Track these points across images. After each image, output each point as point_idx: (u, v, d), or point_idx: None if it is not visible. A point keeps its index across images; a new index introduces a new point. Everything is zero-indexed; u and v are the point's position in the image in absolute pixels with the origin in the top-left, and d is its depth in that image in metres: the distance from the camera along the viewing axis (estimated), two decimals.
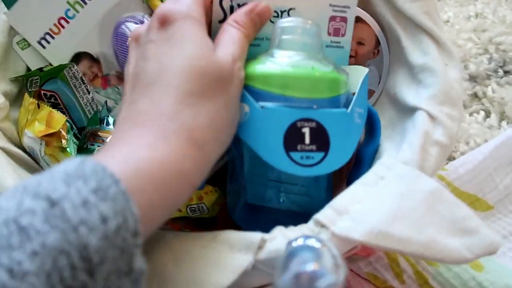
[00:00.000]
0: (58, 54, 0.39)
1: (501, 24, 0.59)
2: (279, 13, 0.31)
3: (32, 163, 0.36)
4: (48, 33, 0.38)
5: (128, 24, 0.38)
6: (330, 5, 0.32)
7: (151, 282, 0.23)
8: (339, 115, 0.27)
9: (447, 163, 0.45)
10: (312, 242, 0.21)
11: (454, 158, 0.46)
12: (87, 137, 0.39)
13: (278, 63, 0.28)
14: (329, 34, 0.33)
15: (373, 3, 0.36)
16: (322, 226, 0.24)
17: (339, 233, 0.23)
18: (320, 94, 0.27)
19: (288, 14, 0.31)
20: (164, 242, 0.24)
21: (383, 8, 0.35)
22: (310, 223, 0.25)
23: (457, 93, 0.29)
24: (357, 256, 0.39)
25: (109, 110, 0.42)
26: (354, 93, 0.29)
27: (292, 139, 0.26)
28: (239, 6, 0.30)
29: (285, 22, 0.29)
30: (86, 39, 0.39)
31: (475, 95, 0.54)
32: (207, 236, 0.25)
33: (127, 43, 0.38)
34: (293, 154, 0.27)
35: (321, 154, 0.27)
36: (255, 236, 0.24)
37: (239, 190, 0.32)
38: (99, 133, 0.40)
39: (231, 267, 0.23)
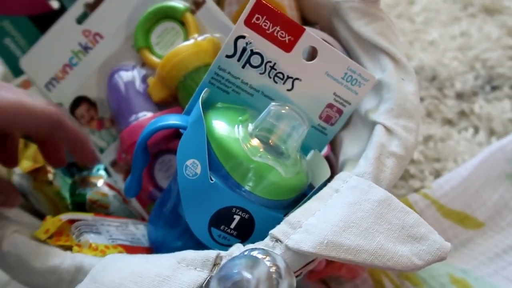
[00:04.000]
0: (61, 97, 0.42)
1: (487, 41, 0.60)
2: (285, 77, 0.31)
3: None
4: (54, 78, 0.42)
5: (120, 73, 0.41)
6: (334, 94, 0.31)
7: None
8: (273, 218, 0.27)
9: (433, 181, 0.44)
10: (254, 253, 0.21)
11: (441, 176, 0.46)
12: (78, 183, 0.41)
13: (247, 148, 0.27)
14: (320, 117, 0.32)
15: (338, 29, 0.38)
16: (277, 240, 0.25)
17: (292, 246, 0.24)
18: (270, 196, 0.27)
19: (292, 84, 0.31)
20: (121, 261, 0.25)
21: (346, 33, 0.37)
22: (267, 239, 0.25)
23: (413, 106, 0.30)
24: (343, 279, 0.39)
25: (101, 151, 0.45)
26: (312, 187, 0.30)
27: (220, 217, 0.27)
28: (252, 52, 0.30)
29: (281, 108, 0.28)
30: (86, 85, 0.42)
31: (462, 113, 0.54)
32: (167, 256, 0.25)
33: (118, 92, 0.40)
34: (214, 230, 0.27)
35: (237, 241, 0.28)
36: (211, 253, 0.25)
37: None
38: (89, 179, 0.42)
39: (186, 284, 0.23)
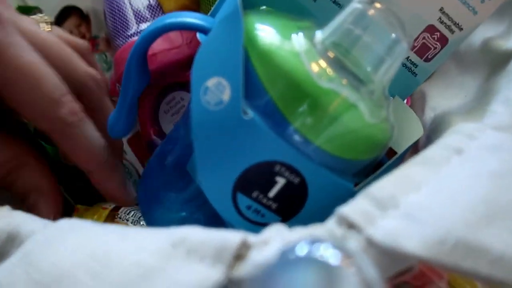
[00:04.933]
0: (44, 5, 0.32)
1: None
2: None
3: None
4: None
5: None
6: (441, 10, 0.20)
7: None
8: (338, 187, 0.17)
9: None
10: (324, 253, 0.10)
11: None
12: None
13: (312, 68, 0.16)
14: (411, 48, 0.22)
15: None
16: (351, 226, 0.14)
17: (382, 241, 0.13)
18: (340, 150, 0.17)
19: None
20: (78, 235, 0.14)
21: None
22: (331, 221, 0.14)
23: None
24: (406, 285, 0.28)
25: None
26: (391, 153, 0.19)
27: (253, 178, 0.17)
28: None
29: (373, 9, 0.17)
30: None
31: None
32: (157, 233, 0.15)
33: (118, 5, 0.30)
34: (241, 197, 0.17)
35: (277, 219, 0.17)
36: (232, 237, 0.14)
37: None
38: None
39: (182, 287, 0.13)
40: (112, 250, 0.14)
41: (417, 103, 0.26)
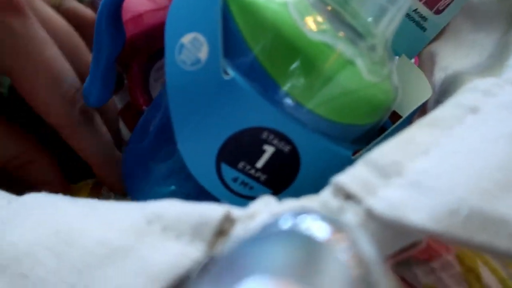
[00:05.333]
0: None
1: None
2: None
3: None
4: None
5: None
6: None
7: (3, 278, 0.12)
8: (334, 156, 0.15)
9: None
10: (310, 226, 0.09)
11: None
12: None
13: (302, 18, 0.14)
14: None
15: None
16: (349, 197, 0.12)
17: (384, 213, 0.11)
18: (335, 114, 0.15)
19: None
20: (43, 210, 0.13)
21: None
22: (326, 192, 0.13)
23: None
24: (414, 259, 0.27)
25: None
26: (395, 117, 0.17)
27: (238, 147, 0.15)
28: None
29: None
30: None
31: None
32: (131, 208, 0.13)
33: None
34: (225, 168, 0.15)
35: (267, 192, 0.15)
36: (214, 211, 0.12)
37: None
38: None
39: (156, 268, 0.11)
40: (77, 227, 0.12)
41: (426, 64, 0.24)
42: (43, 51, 0.19)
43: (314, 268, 0.07)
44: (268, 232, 0.09)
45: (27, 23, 0.18)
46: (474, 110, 0.13)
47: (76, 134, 0.20)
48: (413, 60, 0.23)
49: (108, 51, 0.18)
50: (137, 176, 0.20)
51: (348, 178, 0.12)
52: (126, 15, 0.23)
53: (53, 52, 0.19)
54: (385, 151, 0.13)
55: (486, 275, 0.24)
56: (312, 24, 0.14)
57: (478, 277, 0.24)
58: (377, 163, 0.12)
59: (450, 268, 0.25)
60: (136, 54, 0.26)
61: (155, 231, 0.12)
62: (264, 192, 0.15)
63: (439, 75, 0.22)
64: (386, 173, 0.12)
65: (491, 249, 0.10)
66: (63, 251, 0.12)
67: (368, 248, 0.09)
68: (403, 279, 0.26)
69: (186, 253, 0.11)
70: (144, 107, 0.27)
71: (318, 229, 0.08)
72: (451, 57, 0.22)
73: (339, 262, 0.08)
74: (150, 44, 0.25)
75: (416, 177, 0.12)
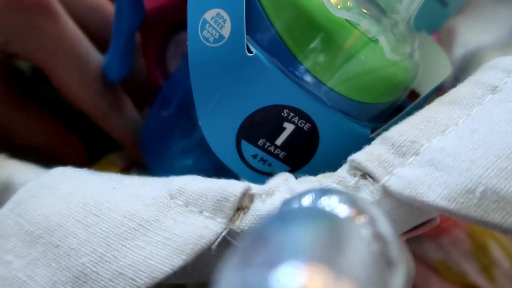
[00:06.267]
0: None
1: None
2: None
3: None
4: None
5: None
6: None
7: (36, 247, 0.12)
8: (354, 135, 0.15)
9: None
10: (331, 203, 0.09)
11: None
12: None
13: None
14: None
15: None
16: (365, 175, 0.12)
17: (400, 191, 0.11)
18: (355, 93, 0.15)
19: None
20: (71, 184, 0.14)
21: None
22: (343, 170, 0.13)
23: None
24: (423, 235, 0.27)
25: None
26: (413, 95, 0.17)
27: (259, 124, 0.15)
28: None
29: None
30: None
31: None
32: (154, 183, 0.14)
33: None
34: (245, 145, 0.15)
35: (285, 169, 0.15)
36: (234, 187, 0.13)
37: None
38: None
39: (179, 240, 0.12)
40: (104, 200, 0.13)
41: (445, 40, 0.24)
42: (73, 49, 0.19)
43: (339, 245, 0.07)
44: (292, 210, 0.09)
45: (57, 22, 0.18)
46: (494, 89, 0.13)
47: (108, 121, 0.21)
48: (432, 35, 0.23)
49: (128, 25, 0.18)
50: (155, 150, 0.20)
51: (365, 156, 0.13)
52: None
53: (83, 48, 0.19)
54: (402, 130, 0.13)
55: (496, 251, 0.25)
56: (337, 0, 0.14)
57: (486, 252, 0.25)
58: (395, 142, 0.13)
59: (460, 243, 0.26)
60: (151, 29, 0.26)
61: (178, 205, 0.13)
62: (282, 169, 0.15)
63: (459, 51, 0.21)
64: (403, 151, 0.12)
65: (503, 228, 0.11)
66: (92, 222, 0.12)
67: (385, 224, 0.09)
68: (414, 255, 0.27)
69: (208, 227, 0.12)
70: (161, 82, 0.27)
71: (338, 206, 0.09)
72: (471, 33, 0.22)
73: (361, 237, 0.08)
74: (166, 18, 0.25)
75: (433, 155, 0.12)
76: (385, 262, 0.08)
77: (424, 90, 0.18)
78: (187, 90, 0.18)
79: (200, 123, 0.16)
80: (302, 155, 0.15)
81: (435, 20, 0.20)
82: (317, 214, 0.08)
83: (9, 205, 0.13)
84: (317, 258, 0.06)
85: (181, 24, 0.26)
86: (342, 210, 0.09)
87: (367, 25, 0.14)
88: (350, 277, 0.07)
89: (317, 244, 0.07)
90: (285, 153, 0.15)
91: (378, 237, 0.09)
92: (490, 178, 0.11)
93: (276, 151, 0.15)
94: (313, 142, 0.15)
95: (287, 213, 0.09)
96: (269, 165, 0.15)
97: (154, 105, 0.21)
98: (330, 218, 0.08)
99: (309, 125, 0.15)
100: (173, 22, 0.26)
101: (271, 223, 0.08)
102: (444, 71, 0.18)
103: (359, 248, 0.08)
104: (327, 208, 0.09)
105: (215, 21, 0.14)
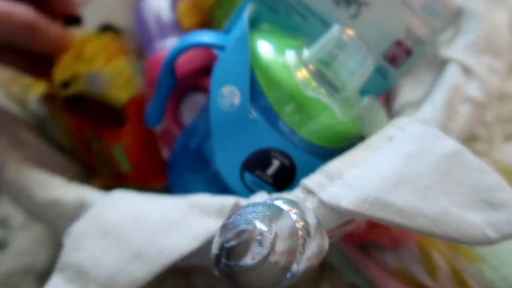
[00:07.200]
0: (85, 24, 0.39)
1: None
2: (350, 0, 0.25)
3: None
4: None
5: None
6: (406, 28, 0.25)
7: (108, 238, 0.20)
8: (318, 166, 0.22)
9: (503, 146, 0.37)
10: (278, 203, 0.17)
11: None
12: None
13: (299, 79, 0.22)
14: (384, 57, 0.27)
15: None
16: (309, 192, 0.20)
17: (327, 201, 0.19)
18: (319, 141, 0.23)
19: (358, 10, 0.25)
20: (126, 200, 0.21)
21: None
22: (297, 189, 0.21)
23: (502, 40, 0.23)
24: (385, 247, 0.34)
25: None
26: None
27: (256, 160, 0.23)
28: None
29: (346, 35, 0.23)
30: (113, 10, 0.38)
31: None
32: (178, 199, 0.22)
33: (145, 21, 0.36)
34: (247, 174, 0.23)
35: (273, 190, 0.23)
36: (229, 200, 0.21)
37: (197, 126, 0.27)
38: None
39: (195, 233, 0.20)
40: (149, 210, 0.21)
41: (391, 96, 0.32)
42: None
43: (277, 218, 0.15)
44: (257, 203, 0.17)
45: None
46: (390, 139, 0.21)
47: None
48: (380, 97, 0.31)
49: (166, 91, 0.26)
50: (179, 184, 0.28)
51: (309, 180, 0.20)
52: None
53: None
54: (333, 164, 0.21)
55: (438, 257, 0.32)
56: (306, 82, 0.22)
57: (431, 259, 0.32)
58: (328, 171, 0.20)
59: (411, 253, 0.33)
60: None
61: (195, 212, 0.20)
62: (271, 190, 0.23)
63: (397, 105, 0.29)
64: (332, 177, 0.20)
65: (385, 221, 0.18)
66: (142, 224, 0.20)
67: (310, 215, 0.17)
68: (378, 263, 0.34)
69: (213, 224, 0.20)
70: (177, 132, 0.36)
71: (283, 204, 0.16)
72: (407, 90, 0.30)
73: (291, 218, 0.16)
74: (183, 83, 0.34)
75: (349, 180, 0.20)
76: (305, 233, 0.16)
77: (370, 135, 0.25)
78: (203, 137, 0.26)
79: (216, 160, 0.23)
80: (284, 181, 0.23)
81: (377, 88, 0.28)
82: (270, 206, 0.16)
83: (88, 214, 0.21)
84: (262, 218, 0.14)
85: (192, 88, 0.35)
86: (284, 206, 0.16)
87: (325, 99, 0.22)
88: (279, 235, 0.15)
89: (265, 215, 0.15)
90: (273, 180, 0.23)
91: (303, 220, 0.16)
92: (377, 192, 0.18)
93: (267, 178, 0.23)
94: (292, 172, 0.23)
95: (249, 205, 0.17)
96: (261, 187, 0.23)
97: (175, 148, 0.29)
98: (276, 208, 0.16)
99: (289, 161, 0.23)
100: (185, 87, 0.34)
101: (239, 209, 0.16)
102: (382, 122, 0.25)
103: (289, 222, 0.15)
104: (277, 205, 0.16)
105: (229, 93, 0.23)
